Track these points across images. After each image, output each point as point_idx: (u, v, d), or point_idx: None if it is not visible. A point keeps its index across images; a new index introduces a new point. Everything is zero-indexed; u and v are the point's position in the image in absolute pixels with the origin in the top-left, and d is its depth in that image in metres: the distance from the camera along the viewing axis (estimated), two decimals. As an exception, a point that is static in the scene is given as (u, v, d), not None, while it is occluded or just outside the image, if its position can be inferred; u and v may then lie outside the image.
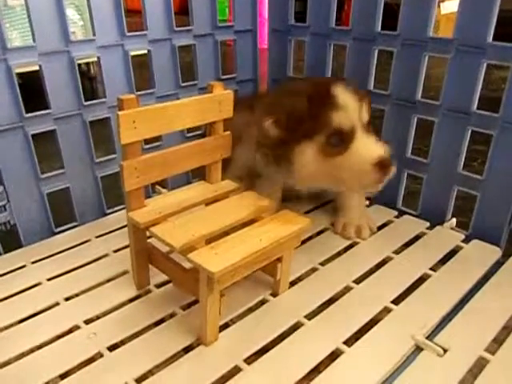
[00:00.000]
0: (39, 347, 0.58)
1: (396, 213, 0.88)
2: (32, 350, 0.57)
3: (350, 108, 0.64)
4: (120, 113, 0.54)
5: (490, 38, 0.72)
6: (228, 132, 0.68)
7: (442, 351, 0.56)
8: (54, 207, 0.83)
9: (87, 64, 1.78)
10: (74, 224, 0.85)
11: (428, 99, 0.82)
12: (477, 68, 0.74)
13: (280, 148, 0.66)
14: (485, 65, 0.74)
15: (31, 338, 0.59)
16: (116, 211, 0.90)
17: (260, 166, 0.74)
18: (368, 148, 0.63)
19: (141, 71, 0.94)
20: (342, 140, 0.64)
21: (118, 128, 0.55)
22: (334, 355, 0.56)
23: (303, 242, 0.77)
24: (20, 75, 0.74)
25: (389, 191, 0.90)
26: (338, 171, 0.64)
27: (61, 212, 0.86)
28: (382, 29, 0.84)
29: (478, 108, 0.76)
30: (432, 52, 0.79)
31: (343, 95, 0.64)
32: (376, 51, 0.86)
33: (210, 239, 0.58)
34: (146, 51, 0.87)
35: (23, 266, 0.74)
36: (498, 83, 1.78)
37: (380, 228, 0.83)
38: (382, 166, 0.62)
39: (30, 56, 0.74)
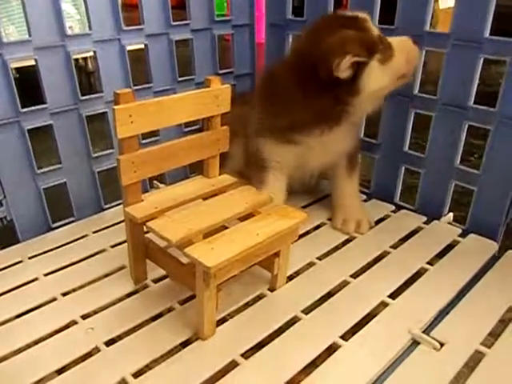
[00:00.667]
0: (36, 342, 0.58)
1: (393, 207, 0.88)
2: (29, 346, 0.58)
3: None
4: (116, 107, 0.54)
5: (486, 33, 0.72)
6: (226, 127, 0.68)
7: (438, 345, 0.56)
8: (50, 202, 0.82)
9: (85, 59, 1.77)
10: (71, 219, 0.85)
11: (425, 93, 0.82)
12: (474, 62, 0.74)
13: (333, 91, 0.67)
14: (482, 59, 0.74)
15: (28, 333, 0.59)
16: (113, 206, 0.90)
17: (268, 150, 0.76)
18: (397, 39, 0.71)
19: (138, 66, 0.93)
20: (387, 46, 0.69)
21: (115, 122, 0.55)
22: (331, 349, 0.56)
23: (300, 237, 0.77)
24: (17, 69, 0.73)
25: (386, 186, 0.90)
26: (394, 69, 0.69)
27: (58, 207, 0.86)
28: (381, 22, 0.84)
29: (475, 103, 0.76)
30: (429, 46, 0.79)
31: (367, 23, 0.69)
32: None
33: (208, 233, 0.58)
34: (142, 46, 0.87)
35: (20, 262, 0.74)
36: (494, 78, 1.78)
37: (377, 222, 0.83)
38: (414, 41, 0.71)
39: (25, 50, 0.73)
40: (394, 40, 0.70)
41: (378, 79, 0.68)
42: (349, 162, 0.81)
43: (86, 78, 1.80)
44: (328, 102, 0.69)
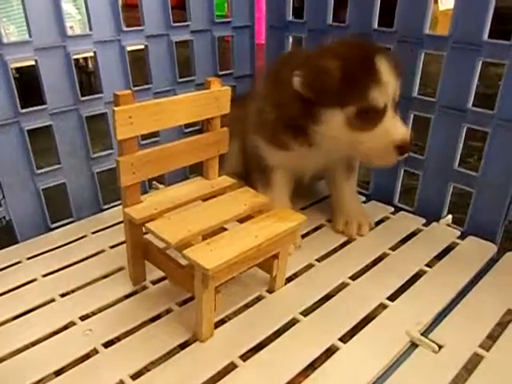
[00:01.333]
0: (34, 344, 0.58)
1: (392, 209, 0.88)
2: (27, 347, 0.57)
3: (389, 85, 0.61)
4: (116, 108, 0.54)
5: (485, 36, 0.72)
6: (225, 128, 0.68)
7: (436, 348, 0.56)
8: (49, 203, 0.82)
9: (85, 59, 1.77)
10: (70, 220, 0.85)
11: (424, 96, 0.82)
12: (472, 65, 0.74)
13: (302, 109, 0.64)
14: (480, 62, 0.74)
15: (26, 334, 0.59)
16: (112, 207, 0.90)
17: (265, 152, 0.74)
18: (395, 129, 0.62)
19: (138, 66, 0.93)
20: (372, 117, 0.61)
21: (114, 124, 0.55)
22: (330, 351, 0.56)
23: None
24: (17, 69, 0.73)
25: (385, 187, 0.90)
26: (360, 144, 0.63)
27: (57, 207, 0.86)
28: (381, 25, 0.84)
29: (473, 105, 0.76)
30: (428, 49, 0.79)
31: (386, 69, 0.60)
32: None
33: (206, 235, 0.58)
34: (142, 46, 0.87)
35: (19, 262, 0.74)
36: (493, 79, 1.78)
37: (377, 224, 0.83)
38: (403, 149, 0.61)
39: (26, 51, 0.73)
40: (392, 123, 0.62)
41: (334, 131, 0.63)
42: (347, 164, 0.80)
43: (87, 78, 1.80)
44: (298, 122, 0.66)
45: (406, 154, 0.63)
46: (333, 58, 0.61)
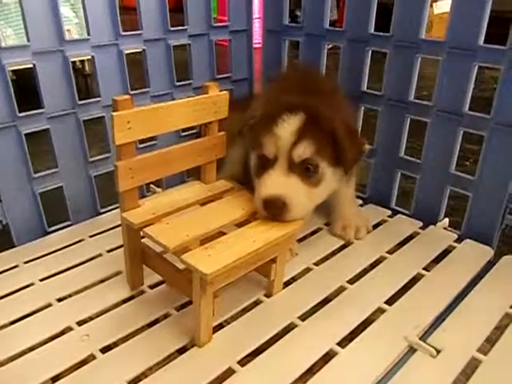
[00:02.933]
0: (31, 349, 0.58)
1: (389, 212, 0.89)
2: (24, 352, 0.57)
3: (281, 140, 0.62)
4: (115, 114, 0.54)
5: (481, 41, 0.73)
6: (223, 132, 0.68)
7: (435, 352, 0.56)
8: (46, 206, 0.82)
9: (82, 61, 1.77)
10: (68, 223, 0.85)
11: (421, 99, 0.82)
12: (468, 70, 0.75)
13: None
14: (476, 67, 0.74)
15: (23, 339, 0.59)
16: (110, 210, 0.90)
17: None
18: (267, 183, 0.62)
19: (134, 68, 0.93)
20: (265, 166, 0.64)
21: (113, 129, 0.55)
22: (328, 357, 0.56)
23: (297, 242, 0.77)
24: (13, 71, 0.73)
25: (382, 191, 0.91)
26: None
27: (54, 211, 0.85)
28: (376, 27, 0.84)
29: (469, 108, 0.77)
30: (424, 54, 0.79)
31: (283, 123, 0.63)
32: (369, 52, 0.86)
33: (204, 240, 0.58)
34: (140, 49, 0.87)
35: (16, 266, 0.73)
36: (488, 82, 1.80)
37: (374, 227, 0.83)
38: (266, 205, 0.60)
39: (23, 55, 0.73)
40: (270, 177, 0.62)
41: (252, 170, 0.68)
42: None
43: (83, 80, 1.80)
44: None
45: (288, 214, 0.60)
46: (261, 107, 0.69)
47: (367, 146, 0.65)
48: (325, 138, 0.63)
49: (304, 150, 0.62)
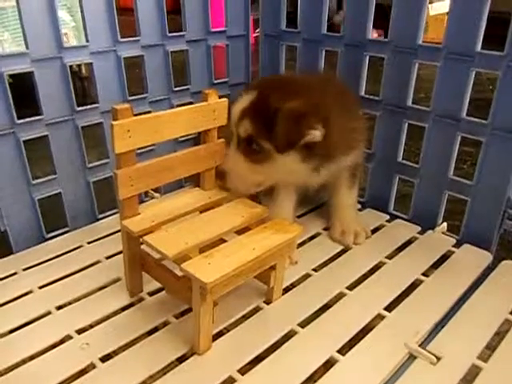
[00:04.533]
0: (30, 358, 0.57)
1: (388, 217, 0.89)
2: (24, 361, 0.57)
3: (233, 115, 0.68)
4: (115, 123, 0.54)
5: (478, 47, 0.73)
6: (222, 140, 0.68)
7: (435, 359, 0.56)
8: (45, 212, 0.82)
9: (79, 65, 1.76)
10: (66, 229, 0.85)
11: (419, 105, 0.82)
12: (466, 75, 0.75)
13: None
14: (473, 73, 0.74)
15: (22, 348, 0.58)
16: (108, 216, 0.89)
17: None
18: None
19: (132, 72, 0.93)
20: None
21: (113, 138, 0.55)
22: (329, 364, 0.56)
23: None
24: (10, 75, 0.73)
25: (380, 195, 0.91)
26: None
27: (52, 217, 0.85)
28: (374, 27, 0.84)
29: (467, 113, 0.77)
30: (422, 59, 0.79)
31: (238, 101, 0.67)
32: (367, 57, 0.86)
33: (204, 247, 0.58)
34: (138, 54, 0.87)
35: (14, 274, 0.73)
36: (485, 84, 1.80)
37: (373, 232, 0.83)
38: (217, 175, 0.69)
39: (22, 62, 0.73)
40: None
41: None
42: (351, 174, 0.80)
43: (80, 84, 1.79)
44: None
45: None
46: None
47: (318, 133, 0.63)
48: (271, 118, 0.63)
49: (245, 127, 0.65)
